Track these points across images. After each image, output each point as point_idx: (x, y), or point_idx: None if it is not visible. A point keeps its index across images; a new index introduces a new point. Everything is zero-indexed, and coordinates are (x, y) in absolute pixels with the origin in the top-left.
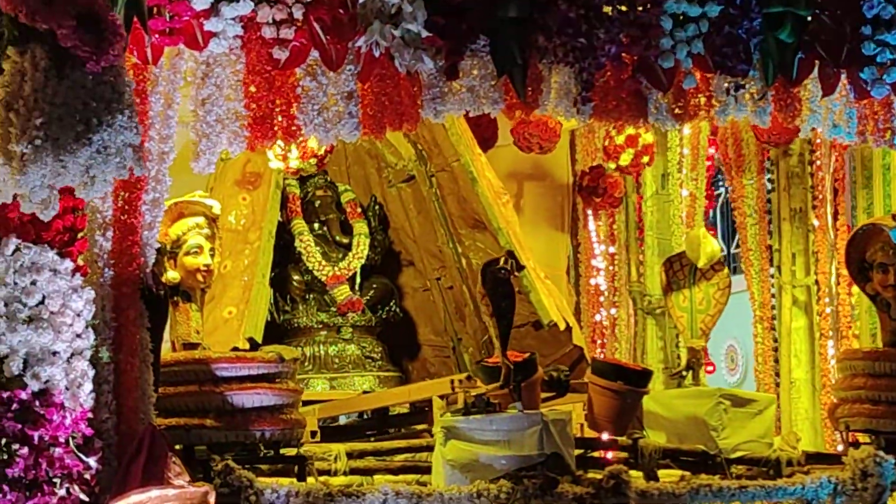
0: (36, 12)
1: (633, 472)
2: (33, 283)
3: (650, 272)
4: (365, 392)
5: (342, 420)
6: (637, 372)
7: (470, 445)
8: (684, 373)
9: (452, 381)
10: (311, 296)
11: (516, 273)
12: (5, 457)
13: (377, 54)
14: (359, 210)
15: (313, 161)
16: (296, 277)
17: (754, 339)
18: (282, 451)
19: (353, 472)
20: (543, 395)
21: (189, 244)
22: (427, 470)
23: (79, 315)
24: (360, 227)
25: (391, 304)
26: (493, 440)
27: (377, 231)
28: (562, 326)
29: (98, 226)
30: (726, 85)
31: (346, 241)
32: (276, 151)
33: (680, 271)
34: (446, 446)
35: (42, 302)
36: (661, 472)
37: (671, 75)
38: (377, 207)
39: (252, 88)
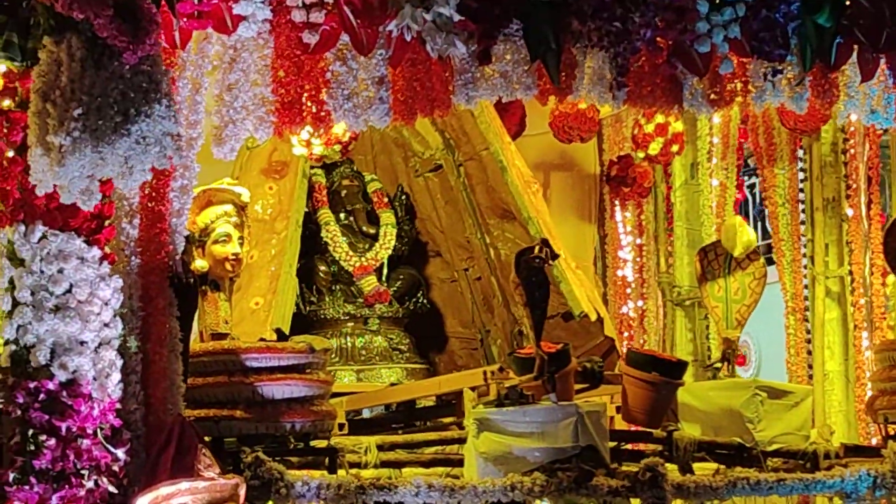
0: (73, 2)
1: (667, 465)
2: (60, 271)
3: (679, 263)
4: (392, 384)
5: (364, 413)
6: (672, 363)
7: (503, 437)
8: (719, 364)
9: (485, 373)
10: (338, 287)
11: (550, 262)
12: (32, 448)
13: (408, 38)
14: (385, 200)
15: (337, 148)
16: (322, 268)
17: (786, 330)
18: (312, 443)
19: (384, 464)
20: (577, 386)
21: (217, 232)
22: (459, 463)
23: (106, 304)
24: (388, 217)
25: (418, 295)
26: (526, 432)
27: (404, 221)
28: (593, 317)
29: (125, 213)
30: (763, 70)
31: (372, 231)
32: (301, 138)
33: (715, 261)
34: (479, 438)
35: (69, 290)
36: (695, 466)
37: (707, 60)
38: (404, 197)
39: (280, 73)
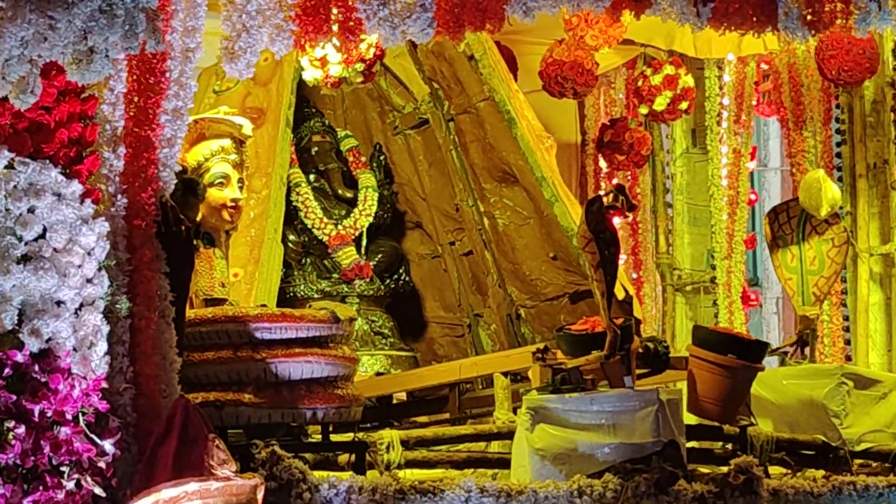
0: None
1: None
2: (31, 210)
3: (680, 242)
4: (379, 374)
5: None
6: (751, 343)
7: (565, 431)
8: (789, 348)
9: (538, 351)
10: (309, 260)
11: (627, 213)
12: None
13: None
14: (363, 159)
15: (359, 67)
16: (291, 238)
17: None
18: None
19: (409, 464)
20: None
21: (213, 173)
22: (499, 463)
23: (90, 254)
24: (367, 179)
25: (400, 271)
26: (594, 424)
27: (383, 185)
28: (620, 296)
29: (107, 140)
30: None
31: (349, 195)
32: (314, 56)
33: (786, 224)
34: (534, 432)
35: (42, 235)
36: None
37: None
38: (382, 158)
39: None
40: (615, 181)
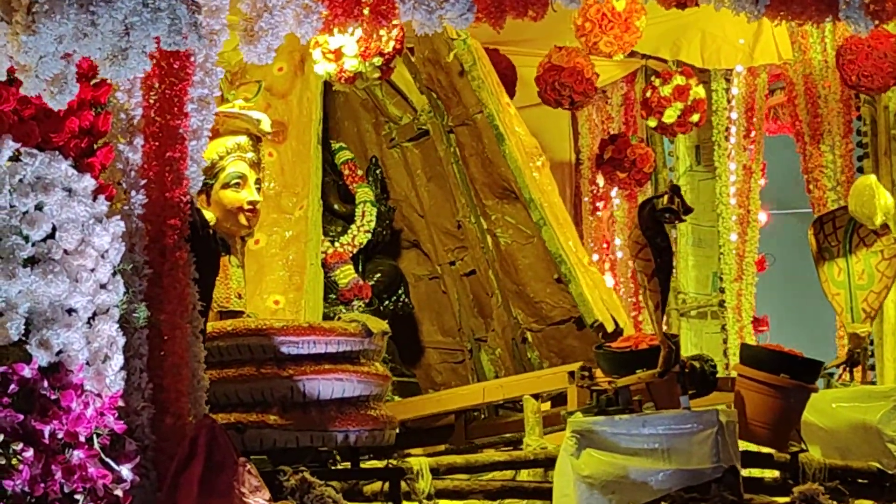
0: None
1: None
2: (39, 207)
3: (683, 264)
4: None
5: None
6: (804, 362)
7: (614, 456)
8: (836, 368)
9: (580, 369)
10: None
11: (683, 217)
12: (2, 462)
13: None
14: (359, 173)
15: (377, 61)
16: None
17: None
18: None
19: (440, 494)
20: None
21: (228, 173)
22: (537, 493)
23: (103, 256)
24: (365, 193)
25: (399, 292)
26: (646, 449)
27: (381, 201)
28: (610, 327)
29: (121, 130)
30: None
31: (344, 210)
32: (327, 48)
33: (832, 235)
34: (580, 458)
35: (51, 235)
36: None
37: None
38: (378, 172)
39: None
40: (615, 201)
